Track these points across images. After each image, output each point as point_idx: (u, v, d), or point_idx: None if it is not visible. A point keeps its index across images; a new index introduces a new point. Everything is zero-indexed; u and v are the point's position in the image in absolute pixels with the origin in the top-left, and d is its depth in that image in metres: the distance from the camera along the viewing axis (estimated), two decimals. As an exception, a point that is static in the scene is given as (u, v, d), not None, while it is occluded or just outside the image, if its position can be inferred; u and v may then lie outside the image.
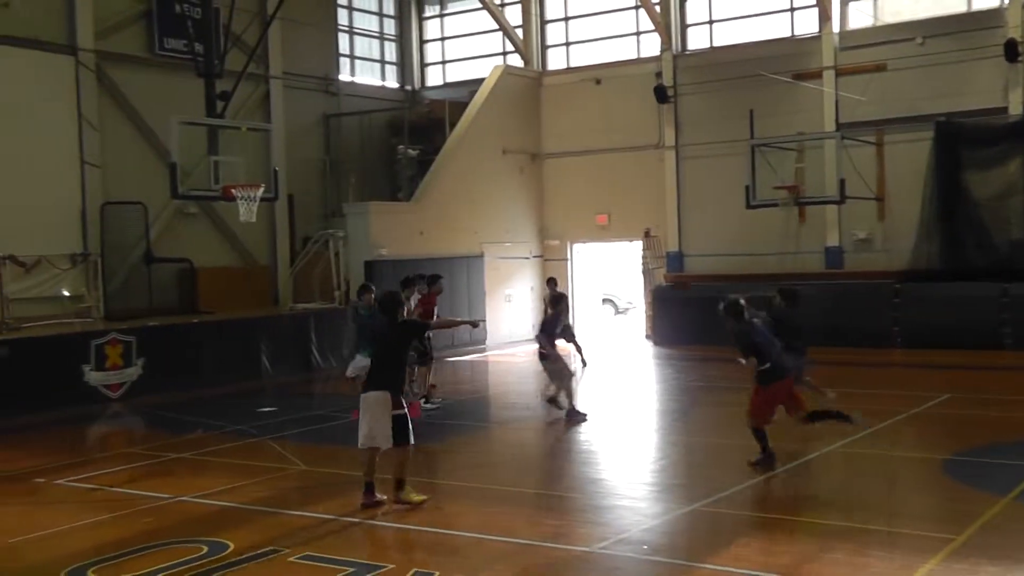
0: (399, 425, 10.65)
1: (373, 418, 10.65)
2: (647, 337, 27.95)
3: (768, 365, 12.14)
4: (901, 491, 11.77)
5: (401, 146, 29.49)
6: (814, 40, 26.34)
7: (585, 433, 15.74)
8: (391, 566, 8.88)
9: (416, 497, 10.80)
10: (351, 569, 8.82)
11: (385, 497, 10.77)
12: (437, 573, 8.67)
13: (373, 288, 16.54)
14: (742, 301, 12.43)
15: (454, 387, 20.52)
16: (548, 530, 9.98)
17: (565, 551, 9.27)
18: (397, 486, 10.78)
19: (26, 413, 17.55)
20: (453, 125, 28.47)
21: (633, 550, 9.19)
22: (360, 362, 15.59)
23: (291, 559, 9.18)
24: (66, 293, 21.19)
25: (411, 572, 8.71)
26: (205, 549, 9.54)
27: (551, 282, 20.79)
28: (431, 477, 11.69)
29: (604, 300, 34.47)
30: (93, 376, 19.05)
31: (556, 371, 16.42)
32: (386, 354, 11.02)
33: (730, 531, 9.87)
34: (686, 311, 25.83)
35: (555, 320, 17.04)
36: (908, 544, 9.21)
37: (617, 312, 36.23)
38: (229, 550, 9.48)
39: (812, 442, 13.70)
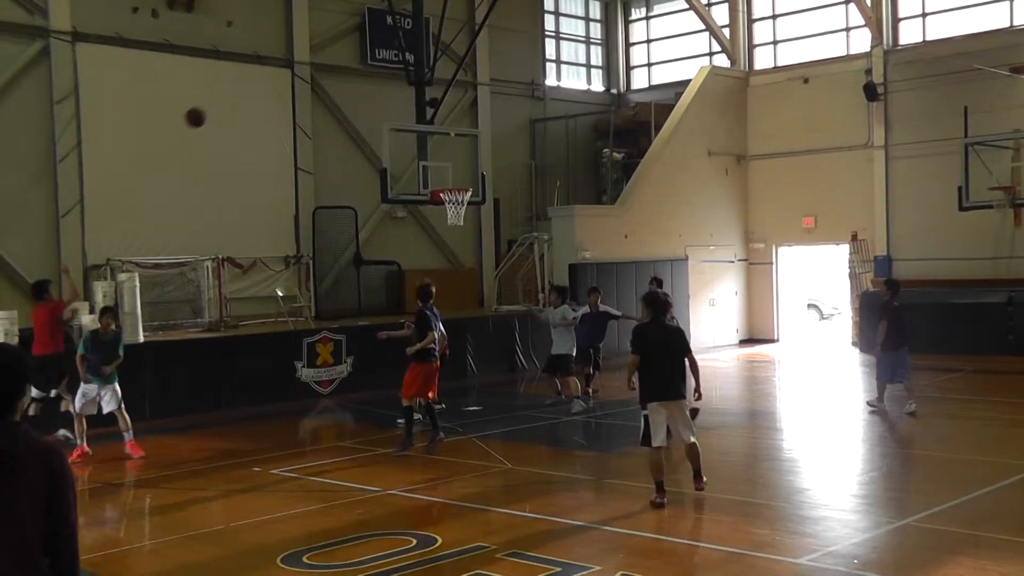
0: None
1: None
2: (854, 344, 27.16)
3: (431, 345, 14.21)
4: None
5: (606, 149, 29.64)
6: (1033, 30, 25.08)
7: (790, 441, 15.49)
8: (598, 568, 8.90)
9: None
10: (557, 569, 8.87)
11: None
12: (643, 577, 8.69)
13: (116, 312, 15.39)
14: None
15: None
16: (755, 539, 9.84)
17: (773, 561, 9.12)
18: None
19: (245, 406, 18.61)
20: (659, 127, 28.37)
21: (843, 563, 8.95)
22: (88, 391, 14.33)
23: (498, 555, 9.31)
24: (280, 293, 22.08)
25: (618, 574, 8.74)
26: (414, 542, 9.79)
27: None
28: (639, 481, 11.67)
29: (809, 305, 33.69)
30: (305, 372, 19.84)
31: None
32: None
33: (943, 548, 9.49)
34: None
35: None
36: None
37: (822, 318, 35.38)
38: (437, 544, 9.71)
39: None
